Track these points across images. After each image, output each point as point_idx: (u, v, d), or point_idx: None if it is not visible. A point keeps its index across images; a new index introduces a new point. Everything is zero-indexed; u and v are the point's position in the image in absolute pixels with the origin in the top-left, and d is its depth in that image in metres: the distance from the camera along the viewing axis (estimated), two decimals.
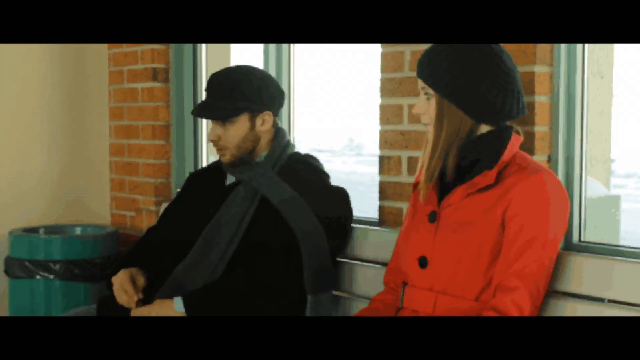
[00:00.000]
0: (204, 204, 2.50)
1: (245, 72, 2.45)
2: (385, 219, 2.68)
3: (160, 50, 3.58)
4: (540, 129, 2.33)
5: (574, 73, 2.32)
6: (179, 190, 2.80)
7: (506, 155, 1.96)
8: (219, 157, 2.49)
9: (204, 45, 3.57)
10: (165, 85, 3.60)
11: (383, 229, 2.63)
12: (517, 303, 1.85)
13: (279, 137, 2.50)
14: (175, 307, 2.27)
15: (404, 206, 2.62)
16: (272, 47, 3.16)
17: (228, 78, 2.44)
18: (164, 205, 3.31)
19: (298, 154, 2.54)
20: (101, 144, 3.84)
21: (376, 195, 2.70)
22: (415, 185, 2.15)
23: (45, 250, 3.29)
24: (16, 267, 3.29)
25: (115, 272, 2.44)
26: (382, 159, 2.69)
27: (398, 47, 2.61)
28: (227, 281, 2.32)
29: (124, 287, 2.37)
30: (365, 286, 2.44)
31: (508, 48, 2.22)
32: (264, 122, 2.46)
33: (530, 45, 2.29)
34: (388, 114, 2.66)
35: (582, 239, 2.34)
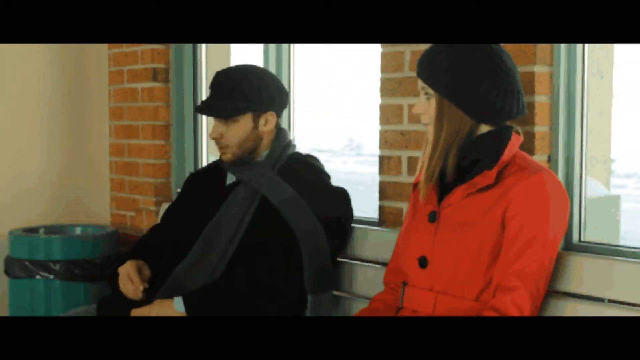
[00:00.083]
0: (204, 204, 2.50)
1: (245, 72, 2.44)
2: (385, 219, 2.68)
3: (160, 50, 3.58)
4: (540, 129, 2.33)
5: (574, 73, 2.32)
6: (179, 190, 2.81)
7: (506, 155, 1.96)
8: (220, 155, 2.49)
9: (204, 45, 3.57)
10: (165, 85, 3.60)
11: (383, 229, 2.63)
12: (517, 303, 1.85)
13: (280, 137, 2.51)
14: (175, 307, 2.27)
15: (404, 206, 2.62)
16: (272, 47, 3.16)
17: (228, 78, 2.44)
18: (164, 205, 3.31)
19: (298, 154, 2.54)
20: (101, 144, 3.84)
21: (376, 195, 2.70)
22: (415, 185, 2.15)
23: (45, 250, 3.29)
24: (16, 267, 3.29)
25: (114, 272, 2.44)
26: (382, 159, 2.69)
27: (398, 47, 2.61)
28: (227, 281, 2.32)
29: (130, 276, 2.39)
30: (365, 286, 2.44)
31: (508, 48, 2.22)
32: (267, 122, 2.46)
33: (530, 45, 2.29)
34: (388, 114, 2.66)
35: (582, 239, 2.34)
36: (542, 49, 2.30)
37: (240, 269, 2.33)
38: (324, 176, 2.50)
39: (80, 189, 3.79)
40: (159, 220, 2.91)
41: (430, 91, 1.97)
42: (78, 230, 3.60)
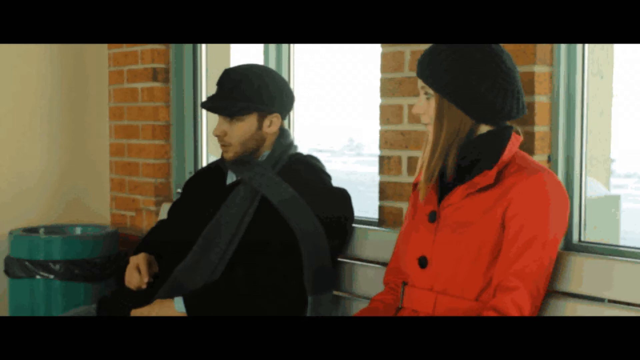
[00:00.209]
0: (205, 203, 2.50)
1: (245, 72, 2.44)
2: (385, 219, 2.68)
3: (160, 50, 3.58)
4: (540, 129, 2.33)
5: (574, 73, 2.32)
6: (179, 190, 2.81)
7: (506, 155, 1.96)
8: (222, 153, 2.49)
9: (204, 45, 3.57)
10: (165, 85, 3.60)
11: (383, 229, 2.63)
12: (517, 303, 1.85)
13: (282, 137, 2.50)
14: (175, 307, 2.27)
15: (404, 206, 2.62)
16: (272, 47, 3.16)
17: (229, 77, 2.44)
18: (164, 205, 3.31)
19: (299, 154, 2.54)
20: (101, 144, 3.84)
21: (376, 195, 2.70)
22: (415, 185, 2.15)
23: (45, 250, 3.29)
24: (16, 267, 3.29)
25: (114, 272, 2.46)
26: (382, 159, 2.69)
27: (398, 47, 2.61)
28: (227, 281, 2.32)
29: (139, 266, 2.44)
30: (365, 286, 2.44)
31: (508, 48, 2.22)
32: (272, 123, 2.46)
33: (530, 45, 2.29)
34: (388, 114, 2.66)
35: (582, 239, 2.34)
36: (542, 49, 2.30)
37: (240, 269, 2.33)
38: (324, 176, 2.50)
39: (80, 189, 3.79)
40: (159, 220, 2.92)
41: (430, 91, 1.97)
42: (78, 230, 3.60)
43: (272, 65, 3.14)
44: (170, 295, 2.32)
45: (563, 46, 2.32)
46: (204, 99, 3.55)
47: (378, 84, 2.68)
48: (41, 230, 3.47)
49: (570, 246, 2.31)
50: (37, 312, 3.29)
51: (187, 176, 3.59)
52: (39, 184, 3.66)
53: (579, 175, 2.34)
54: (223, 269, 2.36)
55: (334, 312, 2.47)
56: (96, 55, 3.78)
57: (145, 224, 3.60)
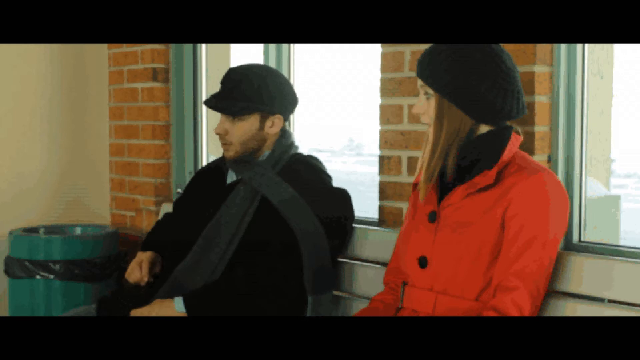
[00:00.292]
0: (205, 202, 2.50)
1: (246, 72, 2.44)
2: (385, 219, 2.68)
3: (160, 50, 3.58)
4: (540, 129, 2.33)
5: (574, 73, 2.32)
6: (179, 190, 2.81)
7: (506, 155, 1.96)
8: (223, 151, 2.49)
9: (204, 45, 3.57)
10: (165, 85, 3.60)
11: (383, 229, 2.63)
12: (517, 303, 1.85)
13: (283, 138, 2.50)
14: (175, 307, 2.27)
15: (404, 206, 2.62)
16: (272, 47, 3.16)
17: (229, 77, 2.45)
18: (164, 205, 3.31)
19: (300, 154, 2.54)
20: (101, 144, 3.84)
21: (376, 195, 2.70)
22: (415, 185, 2.15)
23: (45, 250, 3.29)
24: (16, 267, 3.29)
25: (113, 273, 2.47)
26: (382, 159, 2.69)
27: (398, 47, 2.61)
28: (227, 281, 2.32)
29: (143, 264, 2.47)
30: (365, 286, 2.44)
31: (508, 48, 2.22)
32: (273, 124, 2.46)
33: (530, 45, 2.29)
34: (388, 114, 2.66)
35: (582, 239, 2.34)
36: (542, 49, 2.30)
37: (240, 269, 2.33)
38: (324, 176, 2.50)
39: (80, 189, 3.79)
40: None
41: (430, 91, 1.97)
42: (78, 230, 3.60)
43: (272, 65, 3.14)
44: (170, 295, 2.32)
45: (563, 46, 2.32)
46: (204, 99, 3.55)
47: (378, 84, 2.68)
48: (41, 230, 3.47)
49: (570, 246, 2.31)
50: (37, 312, 3.29)
51: (187, 176, 3.60)
52: (39, 184, 3.66)
53: (579, 175, 2.34)
54: (223, 269, 2.36)
55: (334, 312, 2.47)
56: (96, 55, 3.78)
57: (145, 224, 3.60)
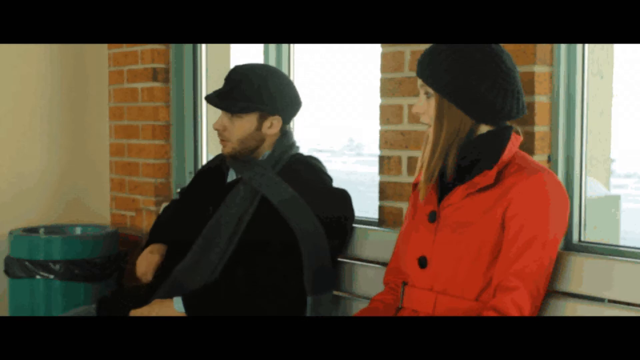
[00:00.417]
0: (205, 202, 2.50)
1: (246, 72, 2.44)
2: (385, 219, 2.68)
3: (160, 50, 3.58)
4: (540, 129, 2.33)
5: (574, 73, 2.32)
6: (179, 190, 2.81)
7: (506, 155, 1.96)
8: (221, 147, 2.49)
9: (204, 45, 3.57)
10: (165, 85, 3.60)
11: (383, 229, 2.63)
12: (517, 303, 1.85)
13: (284, 138, 2.50)
14: (175, 307, 2.27)
15: (404, 206, 2.62)
16: (272, 47, 3.16)
17: (230, 76, 2.45)
18: (164, 205, 3.31)
19: (300, 154, 2.53)
20: (101, 144, 3.84)
21: (376, 195, 2.70)
22: (415, 185, 2.15)
23: (45, 250, 3.29)
24: (16, 267, 3.29)
25: (113, 273, 2.46)
26: (382, 159, 2.69)
27: (398, 47, 2.61)
28: (227, 281, 2.32)
29: (153, 259, 2.49)
30: (365, 286, 2.44)
31: (508, 48, 2.22)
32: (272, 125, 2.46)
33: (530, 45, 2.29)
34: (388, 114, 2.66)
35: (582, 239, 2.34)
36: (542, 49, 2.30)
37: (240, 268, 2.33)
38: (324, 177, 2.50)
39: (80, 189, 3.79)
40: None
41: (430, 91, 1.97)
42: (78, 230, 3.60)
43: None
44: (170, 295, 2.32)
45: (563, 46, 2.32)
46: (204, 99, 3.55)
47: (378, 84, 2.68)
48: (41, 230, 3.47)
49: (570, 246, 2.31)
50: (37, 312, 3.29)
51: (187, 176, 3.60)
52: (39, 184, 3.66)
53: (579, 175, 2.34)
54: (223, 269, 2.36)
55: (334, 312, 2.47)
56: (96, 55, 3.78)
57: (145, 224, 3.60)
